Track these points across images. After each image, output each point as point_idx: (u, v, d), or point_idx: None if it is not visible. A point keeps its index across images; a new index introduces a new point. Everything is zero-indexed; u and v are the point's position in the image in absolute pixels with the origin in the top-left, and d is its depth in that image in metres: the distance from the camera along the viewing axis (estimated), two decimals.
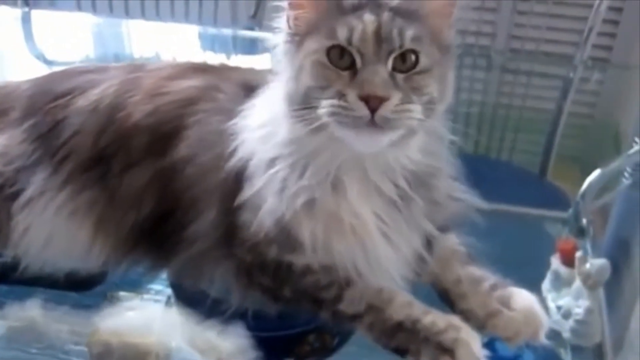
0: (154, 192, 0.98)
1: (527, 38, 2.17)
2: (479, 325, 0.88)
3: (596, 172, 1.24)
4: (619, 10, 2.30)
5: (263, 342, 0.89)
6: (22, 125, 1.05)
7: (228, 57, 1.97)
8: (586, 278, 0.99)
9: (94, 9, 2.31)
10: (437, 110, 0.86)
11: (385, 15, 0.84)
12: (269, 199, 0.89)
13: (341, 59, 0.83)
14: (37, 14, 2.05)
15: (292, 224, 0.88)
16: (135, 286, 1.06)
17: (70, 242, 1.01)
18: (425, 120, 0.84)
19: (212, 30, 2.16)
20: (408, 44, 0.83)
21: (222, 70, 1.08)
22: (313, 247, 0.88)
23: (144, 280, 1.07)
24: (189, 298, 0.97)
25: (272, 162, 0.89)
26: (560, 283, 1.04)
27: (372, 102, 0.80)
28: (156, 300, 1.04)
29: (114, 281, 1.05)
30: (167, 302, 1.02)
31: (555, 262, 1.05)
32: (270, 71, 0.94)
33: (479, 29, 2.13)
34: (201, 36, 2.11)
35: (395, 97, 0.81)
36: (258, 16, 2.08)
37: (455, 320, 0.85)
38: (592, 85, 2.14)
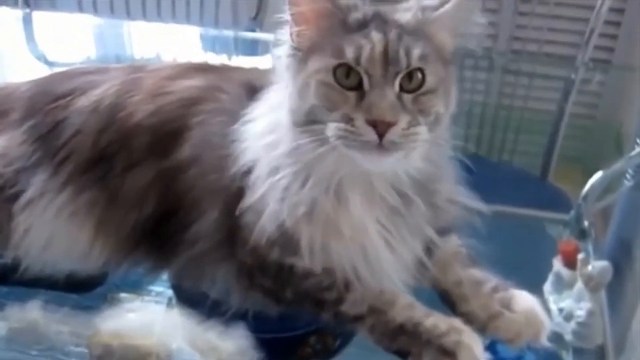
0: (156, 192, 0.97)
1: (528, 39, 2.17)
2: (481, 327, 0.88)
3: (598, 174, 1.24)
4: (620, 11, 2.30)
5: (264, 344, 0.88)
6: (22, 126, 1.05)
7: (229, 58, 1.96)
8: (588, 280, 0.98)
9: (95, 10, 2.31)
10: (442, 122, 0.87)
11: (393, 34, 0.83)
12: (271, 205, 0.88)
13: (347, 78, 0.83)
14: (38, 15, 2.05)
15: (293, 231, 0.88)
16: (136, 288, 1.06)
17: (70, 243, 1.01)
18: (430, 133, 0.84)
19: (213, 32, 2.16)
20: (415, 63, 0.83)
21: (223, 70, 1.08)
22: (313, 254, 0.88)
23: (145, 282, 1.07)
24: (190, 299, 0.97)
25: (275, 169, 0.89)
26: (562, 285, 1.03)
27: (380, 127, 0.80)
28: (157, 302, 1.04)
29: (115, 283, 1.05)
30: (168, 304, 1.02)
31: (557, 264, 1.05)
32: (272, 71, 0.93)
33: (480, 31, 2.12)
34: (202, 37, 2.10)
35: (403, 121, 0.81)
36: (259, 17, 2.08)
37: (457, 323, 0.85)
38: (593, 87, 2.14)
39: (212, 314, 0.91)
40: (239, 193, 0.91)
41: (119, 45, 2.09)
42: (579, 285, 1.00)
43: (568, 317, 1.00)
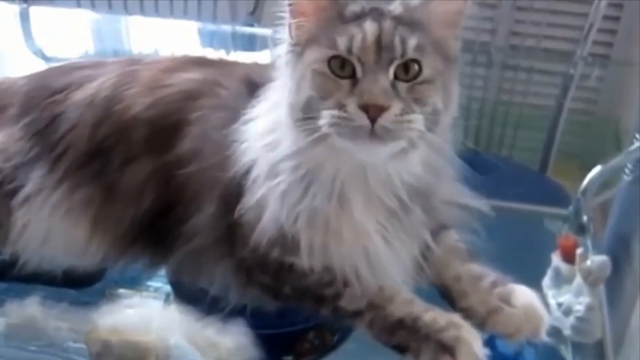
0: (154, 186, 0.97)
1: (527, 34, 2.17)
2: (480, 322, 0.88)
3: (597, 169, 1.24)
4: (619, 6, 2.29)
5: (263, 340, 0.88)
6: (20, 122, 1.05)
7: (227, 54, 1.96)
8: (587, 275, 0.98)
9: (93, 6, 2.31)
10: (441, 122, 0.85)
11: (388, 24, 0.83)
12: (271, 207, 0.88)
13: (342, 69, 0.82)
14: (35, 11, 2.04)
15: (293, 234, 0.88)
16: (134, 283, 1.06)
17: (67, 239, 1.01)
18: (428, 132, 0.83)
19: (211, 27, 2.16)
20: (410, 54, 0.82)
21: (222, 64, 1.08)
22: (312, 256, 0.88)
23: (143, 278, 1.07)
24: (188, 295, 0.97)
25: (274, 172, 0.89)
26: (561, 280, 1.03)
27: (372, 111, 0.79)
28: (155, 298, 1.03)
29: (113, 278, 1.05)
30: (166, 300, 1.02)
31: (556, 259, 1.05)
32: (271, 66, 0.93)
33: (478, 26, 2.12)
34: (200, 32, 2.10)
35: (396, 107, 0.80)
36: (257, 13, 2.07)
37: (456, 318, 0.85)
38: (592, 82, 2.14)
39: (210, 310, 0.90)
40: (238, 191, 0.91)
41: (117, 41, 2.09)
42: (578, 280, 1.00)
43: (567, 312, 1.00)
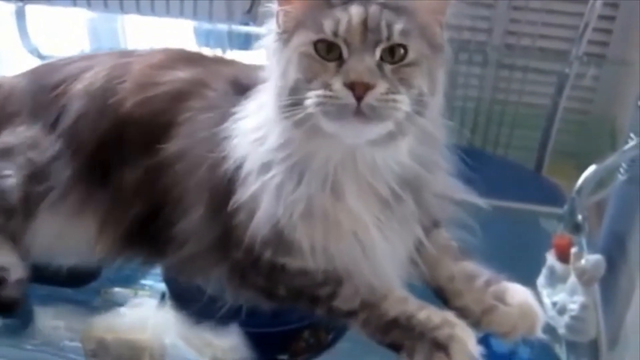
0: (145, 188, 0.97)
1: (522, 34, 2.17)
2: (475, 321, 0.88)
3: (592, 168, 1.24)
4: (614, 6, 2.29)
5: (258, 339, 0.89)
6: (36, 123, 1.04)
7: (223, 52, 1.96)
8: (581, 274, 0.99)
9: (89, 4, 2.30)
10: (428, 105, 0.85)
11: (374, 8, 0.83)
12: (264, 204, 0.88)
13: (329, 52, 0.83)
14: (31, 9, 2.04)
15: (290, 230, 0.88)
16: (130, 282, 1.06)
17: (77, 239, 1.01)
18: (415, 115, 0.83)
19: (207, 26, 2.15)
20: (396, 38, 0.83)
21: (211, 63, 1.08)
22: (313, 252, 0.88)
23: (138, 277, 1.07)
24: (184, 294, 0.97)
25: (266, 166, 0.89)
26: (556, 279, 1.04)
27: (358, 89, 0.79)
28: (151, 297, 1.03)
29: (108, 277, 1.05)
30: (162, 299, 1.02)
31: (551, 258, 1.05)
32: (262, 67, 0.93)
33: (474, 25, 2.12)
34: (196, 31, 2.10)
35: (382, 86, 0.80)
36: (253, 11, 2.07)
37: (450, 316, 0.85)
38: (587, 81, 2.14)
39: (206, 309, 0.90)
40: (228, 190, 0.90)
41: (113, 39, 2.08)
42: (573, 279, 1.00)
43: (561, 310, 1.00)
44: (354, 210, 0.88)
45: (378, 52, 0.82)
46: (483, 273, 0.92)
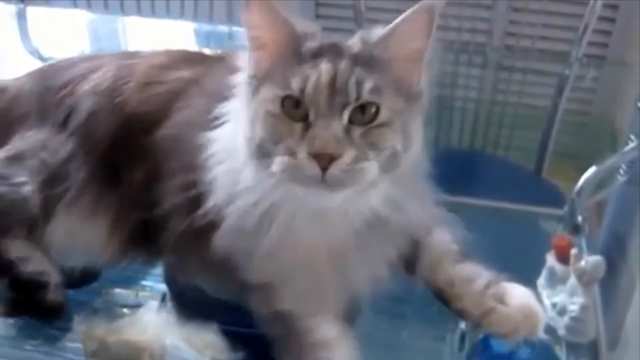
0: (146, 189, 0.97)
1: (522, 35, 2.17)
2: (476, 323, 0.88)
3: (592, 169, 1.24)
4: (614, 7, 2.30)
5: (255, 339, 0.88)
6: (44, 126, 1.04)
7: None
8: (581, 275, 0.99)
9: (89, 6, 2.31)
10: (403, 162, 0.82)
11: (343, 65, 0.80)
12: (229, 224, 0.88)
13: (295, 109, 0.80)
14: (32, 11, 2.04)
15: (246, 266, 0.88)
16: (130, 283, 1.06)
17: (89, 240, 1.01)
18: (387, 173, 0.81)
19: (207, 27, 2.16)
20: (366, 96, 0.79)
21: (214, 61, 1.06)
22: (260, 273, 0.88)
23: (139, 278, 1.07)
24: (184, 295, 0.97)
25: (234, 196, 0.87)
26: (556, 280, 1.04)
27: (322, 160, 0.76)
28: (151, 298, 1.03)
29: (109, 278, 1.05)
30: (162, 300, 1.02)
31: (551, 259, 1.05)
32: None
33: (474, 26, 2.13)
34: (197, 33, 2.10)
35: (348, 155, 0.77)
36: None
37: (338, 340, 0.85)
38: (587, 83, 2.15)
39: (206, 310, 0.91)
40: (201, 196, 0.90)
41: (113, 41, 2.08)
42: (573, 280, 1.00)
43: (561, 312, 1.00)
44: (312, 249, 0.87)
45: (346, 115, 0.79)
46: (482, 274, 0.92)
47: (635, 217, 1.26)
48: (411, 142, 0.83)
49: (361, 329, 0.94)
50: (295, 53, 0.81)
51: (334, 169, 0.77)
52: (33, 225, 0.98)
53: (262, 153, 0.82)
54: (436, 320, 0.98)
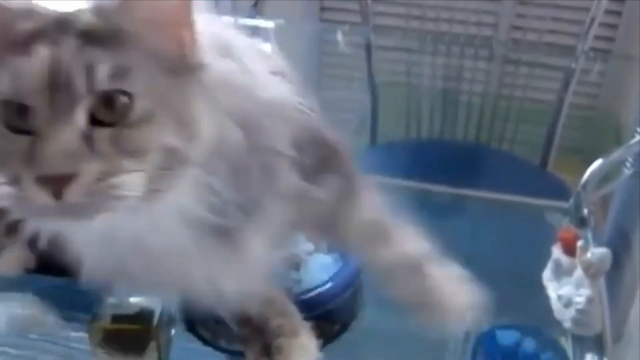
0: None
1: (529, 29, 2.17)
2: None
3: (597, 162, 1.24)
4: (621, 0, 2.29)
5: None
6: None
7: None
8: (587, 267, 0.98)
9: None
10: (190, 156, 0.61)
11: (68, 46, 0.57)
12: None
13: (19, 118, 0.57)
14: None
15: None
16: None
17: None
18: (167, 179, 0.60)
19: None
20: (104, 84, 0.56)
21: None
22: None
23: None
24: None
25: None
26: (561, 272, 1.03)
27: (53, 185, 0.55)
28: None
29: None
30: None
31: (557, 251, 1.05)
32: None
33: (480, 19, 2.12)
34: None
35: (90, 171, 0.56)
36: (259, 4, 2.07)
37: (300, 329, 0.85)
38: (593, 76, 2.14)
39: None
40: None
41: None
42: (578, 272, 1.00)
43: (567, 304, 1.00)
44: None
45: (81, 116, 0.56)
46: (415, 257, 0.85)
47: None
48: (196, 128, 0.61)
49: (364, 320, 0.94)
50: (6, 37, 0.58)
51: (71, 194, 0.55)
52: None
53: None
54: None
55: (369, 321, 0.96)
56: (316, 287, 0.93)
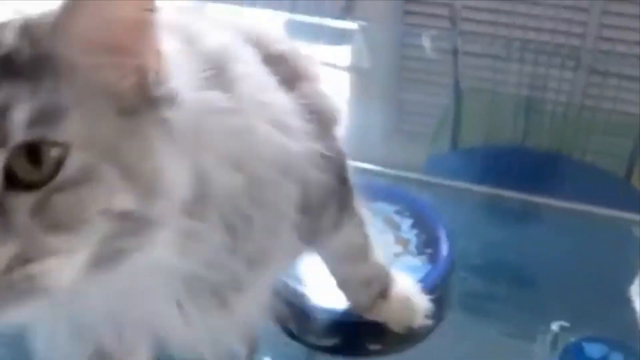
0: None
1: (617, 40, 2.14)
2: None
3: None
4: None
5: (351, 327, 0.91)
6: None
7: (313, 47, 1.97)
8: None
9: None
10: (157, 216, 0.47)
11: None
12: None
13: None
14: None
15: None
16: None
17: None
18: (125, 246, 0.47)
19: (301, 18, 2.17)
20: (23, 133, 0.42)
21: None
22: None
23: None
24: None
25: None
26: None
27: None
28: None
29: None
30: None
31: None
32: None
33: (569, 29, 2.10)
34: (288, 24, 2.12)
35: (3, 253, 0.41)
36: (349, 5, 2.09)
37: None
38: None
39: None
40: None
41: None
42: None
43: None
44: None
45: None
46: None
47: None
48: (158, 181, 0.47)
49: (450, 327, 0.95)
50: None
51: None
52: None
53: None
54: (527, 319, 0.98)
55: (454, 325, 0.96)
56: None
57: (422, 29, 2.24)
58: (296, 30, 2.10)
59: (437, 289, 0.96)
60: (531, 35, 2.00)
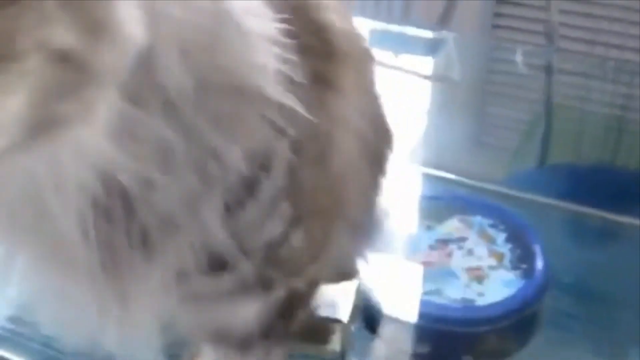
0: None
1: None
2: None
3: None
4: None
5: (444, 338, 0.91)
6: None
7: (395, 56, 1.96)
8: None
9: None
10: (104, 66, 0.39)
11: None
12: None
13: None
14: None
15: None
16: None
17: None
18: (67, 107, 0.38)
19: (381, 25, 2.18)
20: None
21: None
22: None
23: None
24: None
25: None
26: None
27: None
28: None
29: None
30: None
31: None
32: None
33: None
34: (371, 32, 2.13)
35: None
36: (446, 17, 2.08)
37: None
38: None
39: None
40: None
41: None
42: None
43: None
44: None
45: None
46: None
47: None
48: (106, 16, 0.38)
49: (541, 342, 0.95)
50: None
51: None
52: None
53: None
54: (612, 339, 0.97)
55: (546, 343, 0.96)
56: (497, 302, 0.94)
57: (514, 43, 2.23)
58: (383, 39, 2.11)
59: (531, 305, 0.95)
60: (627, 55, 1.97)
